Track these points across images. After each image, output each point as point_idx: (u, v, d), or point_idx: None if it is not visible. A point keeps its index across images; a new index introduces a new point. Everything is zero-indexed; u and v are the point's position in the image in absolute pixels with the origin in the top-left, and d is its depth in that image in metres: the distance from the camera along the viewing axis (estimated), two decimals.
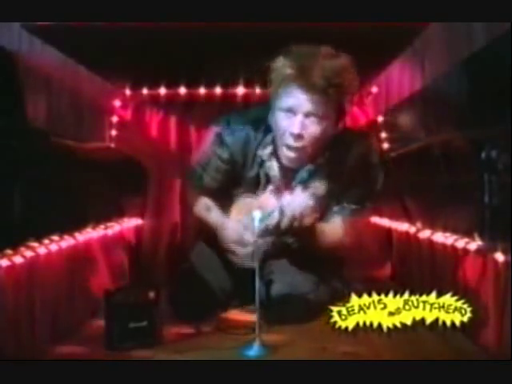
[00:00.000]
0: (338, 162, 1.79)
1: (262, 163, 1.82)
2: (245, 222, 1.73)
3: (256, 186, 1.84)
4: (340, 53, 1.68)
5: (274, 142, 1.79)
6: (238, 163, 1.84)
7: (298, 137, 1.69)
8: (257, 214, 1.46)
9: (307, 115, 1.67)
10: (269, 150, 1.80)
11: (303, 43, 1.72)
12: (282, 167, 1.80)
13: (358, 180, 1.80)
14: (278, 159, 1.79)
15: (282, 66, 1.67)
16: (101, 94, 2.41)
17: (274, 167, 1.81)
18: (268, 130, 1.80)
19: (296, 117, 1.67)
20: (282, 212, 1.61)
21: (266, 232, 1.62)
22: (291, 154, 1.73)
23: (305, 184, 1.78)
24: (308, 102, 1.66)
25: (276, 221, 1.62)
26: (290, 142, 1.70)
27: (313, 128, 1.68)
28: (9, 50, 1.55)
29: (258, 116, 1.82)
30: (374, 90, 2.54)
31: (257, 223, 1.46)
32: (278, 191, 1.80)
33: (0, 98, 1.46)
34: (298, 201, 1.60)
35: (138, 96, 2.56)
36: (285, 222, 1.61)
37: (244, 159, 1.83)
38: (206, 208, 1.89)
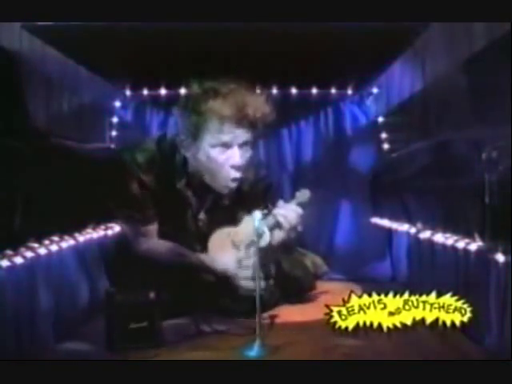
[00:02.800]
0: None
1: (179, 194, 1.86)
2: (239, 255, 1.75)
3: (175, 212, 1.86)
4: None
5: (186, 173, 1.85)
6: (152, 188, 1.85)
7: (240, 167, 1.78)
8: (257, 215, 1.46)
9: (241, 146, 1.77)
10: (183, 181, 1.86)
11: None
12: (196, 195, 1.88)
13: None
14: (193, 188, 1.86)
15: (218, 107, 1.73)
16: (101, 94, 2.41)
17: (190, 196, 1.87)
18: (172, 161, 1.85)
19: (232, 149, 1.77)
20: (279, 226, 1.69)
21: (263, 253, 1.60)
22: (232, 185, 1.82)
23: (218, 204, 1.88)
24: (242, 134, 1.76)
25: (269, 240, 1.66)
26: (232, 174, 1.79)
27: (247, 155, 1.80)
28: (9, 50, 1.55)
29: (165, 149, 1.86)
30: (375, 90, 2.54)
31: (257, 223, 1.46)
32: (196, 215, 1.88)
33: (0, 97, 1.46)
34: (292, 212, 1.70)
35: (138, 96, 2.56)
36: (282, 235, 1.71)
37: (159, 189, 1.84)
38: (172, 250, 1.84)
